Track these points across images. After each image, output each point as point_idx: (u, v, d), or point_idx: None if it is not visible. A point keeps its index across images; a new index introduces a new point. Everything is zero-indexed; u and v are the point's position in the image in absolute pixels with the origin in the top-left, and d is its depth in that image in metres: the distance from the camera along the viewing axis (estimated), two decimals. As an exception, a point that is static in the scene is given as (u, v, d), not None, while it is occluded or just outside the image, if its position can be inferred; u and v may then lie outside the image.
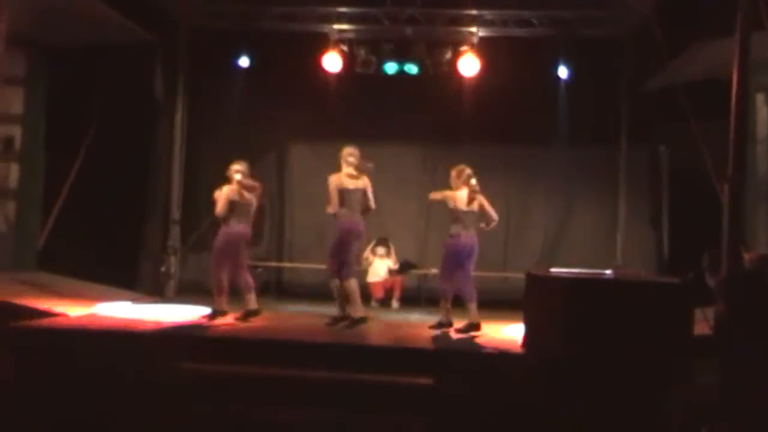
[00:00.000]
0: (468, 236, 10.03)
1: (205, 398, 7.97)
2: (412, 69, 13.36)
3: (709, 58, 10.93)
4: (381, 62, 13.33)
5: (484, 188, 13.96)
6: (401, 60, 13.33)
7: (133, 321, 9.96)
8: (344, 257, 10.03)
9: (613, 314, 7.91)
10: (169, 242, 13.74)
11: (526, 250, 14.20)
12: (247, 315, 10.22)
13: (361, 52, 13.28)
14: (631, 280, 8.91)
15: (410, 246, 14.21)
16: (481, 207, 10.12)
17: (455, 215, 10.02)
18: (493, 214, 10.19)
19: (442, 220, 10.17)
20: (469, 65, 13.10)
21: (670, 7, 11.72)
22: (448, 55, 13.17)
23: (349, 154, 10.15)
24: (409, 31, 13.41)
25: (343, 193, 9.99)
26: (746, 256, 9.39)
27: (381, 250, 13.41)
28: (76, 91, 12.98)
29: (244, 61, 13.53)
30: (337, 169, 10.21)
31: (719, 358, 7.80)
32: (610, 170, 14.01)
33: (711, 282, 8.47)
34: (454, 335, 9.81)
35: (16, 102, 12.68)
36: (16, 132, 12.77)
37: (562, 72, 13.24)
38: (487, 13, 13.17)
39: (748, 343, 7.66)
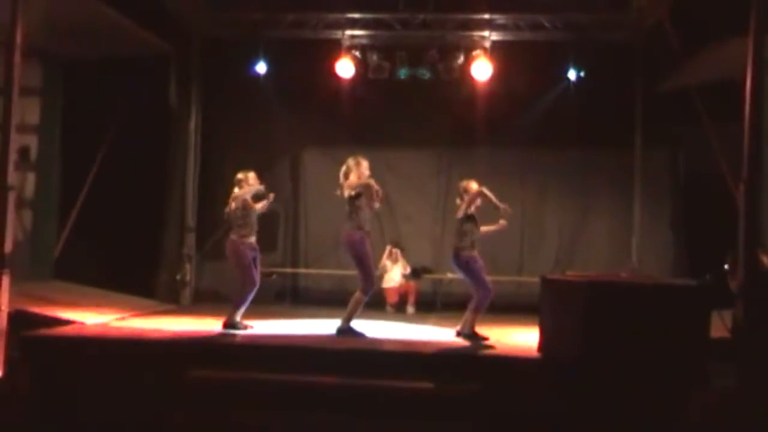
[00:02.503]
0: None
1: (220, 406, 7.97)
2: (424, 74, 13.37)
3: (722, 59, 10.90)
4: (394, 68, 13.34)
5: (499, 192, 14.07)
6: (414, 65, 13.34)
7: (148, 329, 9.97)
8: None
9: (629, 317, 7.88)
10: (184, 250, 13.76)
11: (542, 255, 14.21)
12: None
13: (374, 58, 13.29)
14: (648, 283, 8.86)
15: (425, 251, 14.22)
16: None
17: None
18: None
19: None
20: (482, 70, 13.12)
21: (683, 9, 11.69)
22: (461, 59, 13.19)
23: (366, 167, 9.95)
24: (421, 36, 13.41)
25: None
26: (765, 258, 9.35)
27: (396, 255, 13.39)
28: (92, 102, 13.04)
29: (261, 68, 13.55)
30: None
31: (738, 362, 7.78)
32: (625, 173, 13.98)
33: (733, 285, 8.44)
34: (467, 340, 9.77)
35: (32, 112, 12.74)
36: (32, 142, 12.82)
37: (572, 75, 13.22)
38: (500, 18, 13.18)
39: (767, 346, 7.63)
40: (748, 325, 7.79)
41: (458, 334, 9.78)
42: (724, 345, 8.10)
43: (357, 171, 9.69)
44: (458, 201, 10.03)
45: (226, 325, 9.92)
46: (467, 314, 9.79)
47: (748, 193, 8.11)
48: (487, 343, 9.53)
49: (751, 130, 8.17)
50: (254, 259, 10.08)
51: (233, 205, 10.04)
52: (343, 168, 9.76)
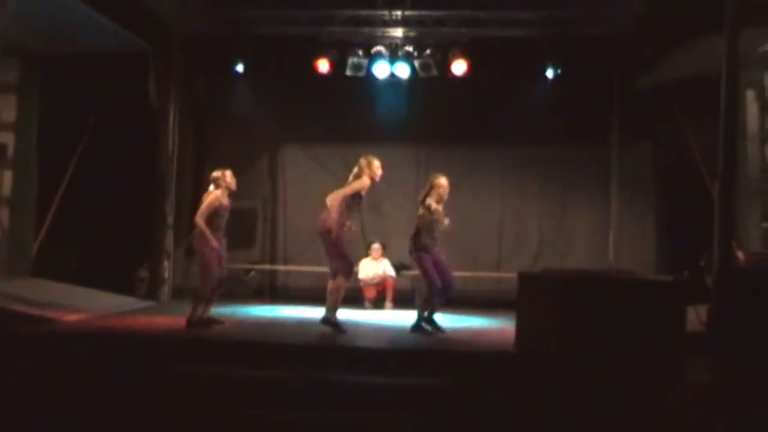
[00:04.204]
0: None
1: (199, 401, 7.97)
2: (403, 70, 13.37)
3: (699, 56, 10.96)
4: (372, 65, 13.34)
5: (478, 188, 14.11)
6: (393, 62, 13.34)
7: (127, 326, 9.98)
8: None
9: (605, 313, 7.94)
10: (163, 247, 13.72)
11: (521, 251, 14.21)
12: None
13: (352, 55, 13.28)
14: (624, 279, 8.92)
15: (403, 247, 14.17)
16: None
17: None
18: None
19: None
20: (459, 66, 13.13)
21: (661, 6, 11.75)
22: (439, 56, 13.19)
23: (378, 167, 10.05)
24: (400, 32, 13.43)
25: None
26: (740, 254, 9.42)
27: (376, 252, 13.41)
28: (70, 98, 12.97)
29: (240, 65, 13.58)
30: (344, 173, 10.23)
31: (713, 357, 7.83)
32: (602, 169, 14.03)
33: (709, 281, 8.50)
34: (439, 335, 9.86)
35: (8, 109, 12.70)
36: (9, 139, 12.78)
37: (551, 72, 13.28)
38: (478, 14, 13.18)
39: (742, 341, 7.69)
40: (723, 320, 7.84)
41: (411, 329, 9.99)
42: (699, 340, 8.17)
43: (369, 171, 9.89)
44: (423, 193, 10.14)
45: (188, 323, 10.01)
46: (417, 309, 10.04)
47: (723, 189, 8.16)
48: (441, 334, 9.79)
49: (727, 126, 8.22)
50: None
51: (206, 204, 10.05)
52: (355, 169, 9.98)
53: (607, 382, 7.68)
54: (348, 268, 9.93)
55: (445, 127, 13.99)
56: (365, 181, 9.85)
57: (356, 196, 9.86)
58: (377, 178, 10.02)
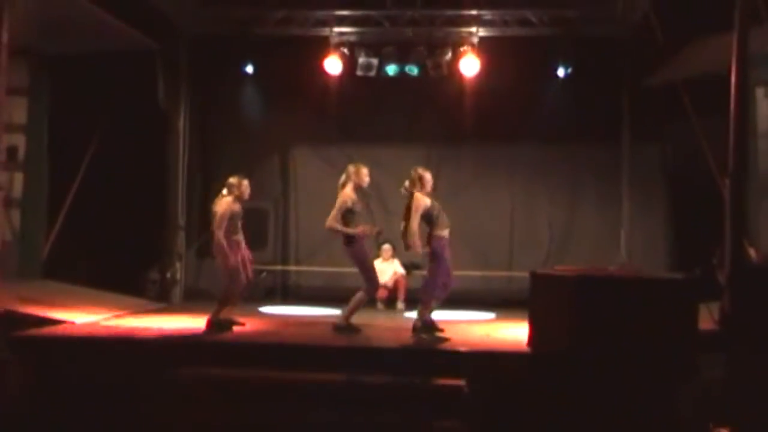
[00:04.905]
0: None
1: (210, 403, 7.99)
2: (413, 70, 13.40)
3: (708, 54, 10.94)
4: (382, 64, 13.37)
5: (488, 187, 14.07)
6: (402, 62, 13.38)
7: (138, 328, 9.98)
8: None
9: (618, 311, 7.92)
10: (174, 248, 13.75)
11: (532, 250, 14.18)
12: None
13: (362, 55, 13.30)
14: (636, 277, 8.90)
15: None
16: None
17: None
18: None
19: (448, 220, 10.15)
20: (470, 65, 13.17)
21: (669, 4, 11.73)
22: (449, 55, 13.22)
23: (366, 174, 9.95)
24: (409, 32, 13.45)
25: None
26: (752, 251, 9.40)
27: (387, 252, 13.41)
28: (79, 100, 12.99)
29: (249, 65, 13.62)
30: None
31: (725, 353, 7.83)
32: (613, 167, 14.00)
33: (722, 278, 8.50)
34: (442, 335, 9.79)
35: (19, 111, 12.69)
36: (20, 141, 12.77)
37: (560, 71, 13.28)
38: (488, 14, 13.21)
39: (754, 338, 7.68)
40: (735, 316, 7.84)
41: (414, 327, 9.81)
42: (711, 337, 8.15)
43: (356, 179, 9.79)
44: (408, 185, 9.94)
45: (210, 324, 9.95)
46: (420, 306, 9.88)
47: (733, 187, 8.16)
48: (442, 334, 9.61)
49: (737, 124, 8.23)
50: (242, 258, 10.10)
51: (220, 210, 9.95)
52: (343, 176, 9.85)
53: (621, 379, 7.68)
54: (370, 287, 9.86)
55: (455, 126, 14.01)
56: (347, 194, 9.68)
57: (350, 209, 9.69)
58: (364, 185, 9.88)
